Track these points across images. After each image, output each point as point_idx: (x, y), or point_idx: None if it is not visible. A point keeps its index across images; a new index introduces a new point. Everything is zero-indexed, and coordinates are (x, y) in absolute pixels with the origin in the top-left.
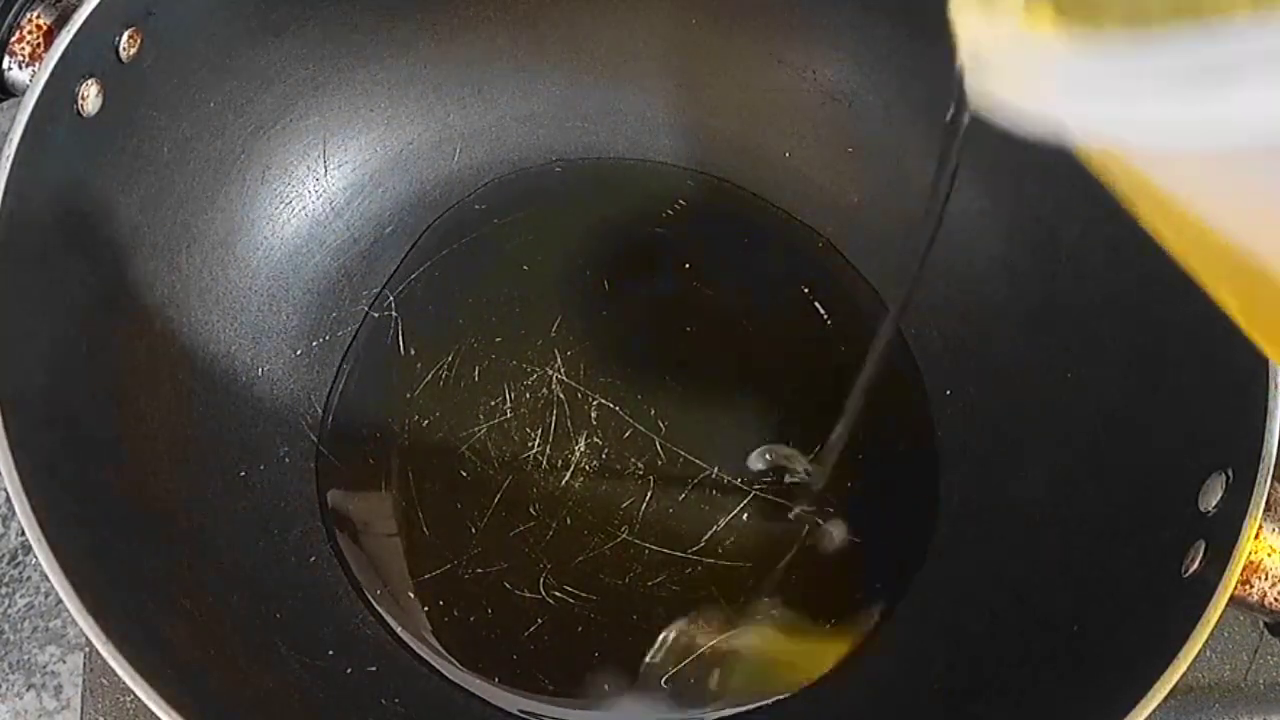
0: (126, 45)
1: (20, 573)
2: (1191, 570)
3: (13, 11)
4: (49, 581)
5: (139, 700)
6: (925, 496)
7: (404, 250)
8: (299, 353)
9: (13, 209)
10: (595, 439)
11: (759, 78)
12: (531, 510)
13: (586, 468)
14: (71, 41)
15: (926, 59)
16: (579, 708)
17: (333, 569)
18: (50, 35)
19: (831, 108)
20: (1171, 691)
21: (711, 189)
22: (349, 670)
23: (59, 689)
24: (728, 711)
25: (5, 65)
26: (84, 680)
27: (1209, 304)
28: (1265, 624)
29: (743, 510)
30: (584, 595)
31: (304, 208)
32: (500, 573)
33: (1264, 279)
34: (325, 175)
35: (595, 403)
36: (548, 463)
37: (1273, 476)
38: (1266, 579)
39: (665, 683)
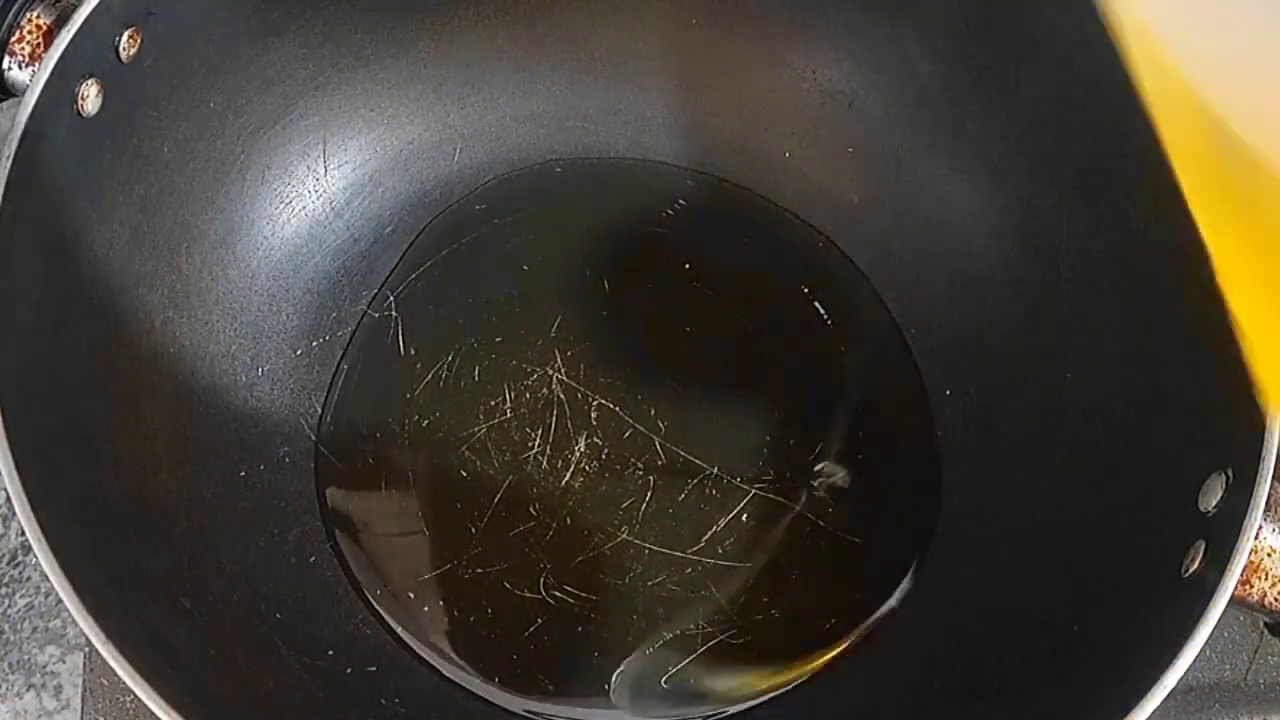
0: (126, 45)
1: (20, 573)
2: (1191, 570)
3: (13, 11)
4: (49, 581)
5: (139, 700)
6: (925, 496)
7: (404, 250)
8: (299, 353)
9: (13, 208)
10: (595, 439)
11: (759, 78)
12: (531, 510)
13: (586, 468)
14: (71, 41)
15: (926, 59)
16: (579, 707)
17: (333, 569)
18: (50, 35)
19: (831, 108)
20: (1171, 691)
21: (711, 189)
22: (349, 670)
23: (59, 689)
24: (727, 711)
25: (5, 65)
26: (84, 680)
27: (1209, 303)
28: (1265, 624)
29: (743, 510)
30: (584, 595)
31: (304, 208)
32: (500, 573)
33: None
34: (325, 175)
35: (595, 403)
36: (548, 463)
37: (1273, 476)
38: (1266, 579)
39: (665, 683)
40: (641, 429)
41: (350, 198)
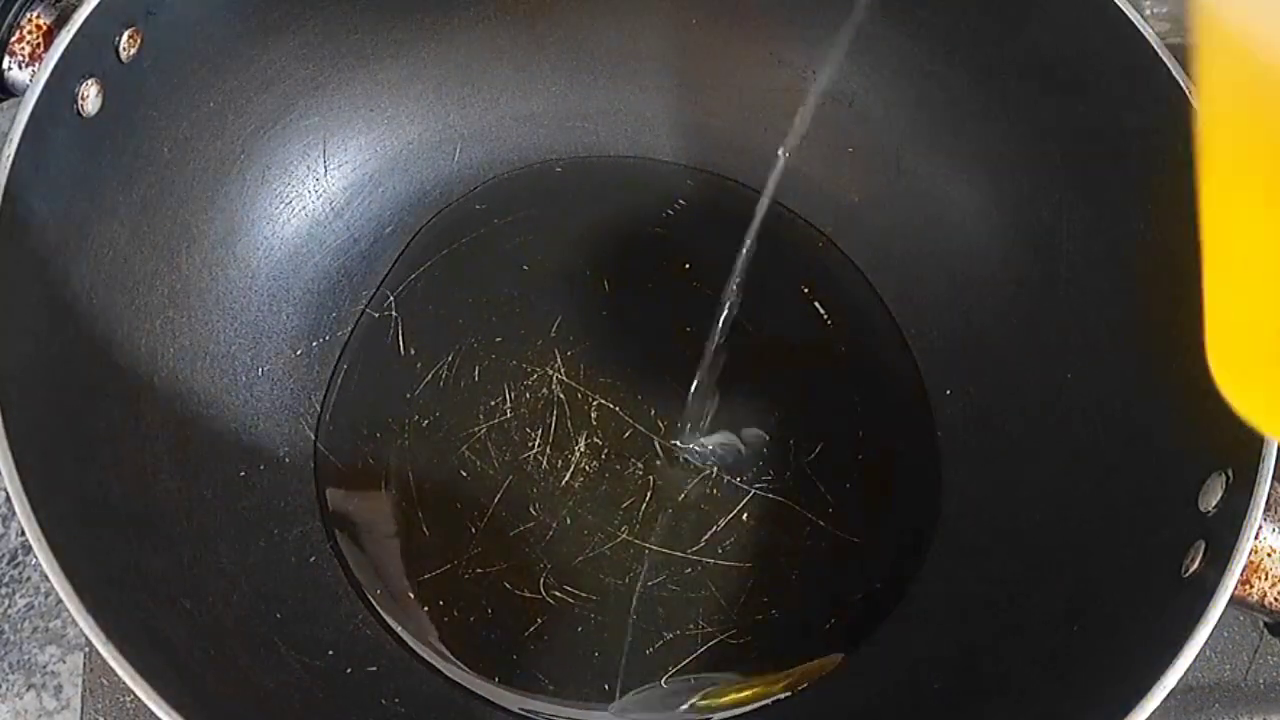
0: (126, 45)
1: (20, 573)
2: (1191, 570)
3: (13, 11)
4: (49, 581)
5: (139, 700)
6: (925, 496)
7: (404, 250)
8: (299, 353)
9: (13, 209)
10: (595, 439)
11: (759, 78)
12: (531, 510)
13: (586, 468)
14: (71, 41)
15: (926, 59)
16: (579, 707)
17: (333, 569)
18: (50, 35)
19: (831, 108)
20: (1171, 691)
21: (712, 188)
22: (349, 670)
23: (59, 689)
24: (727, 712)
25: (5, 65)
26: (84, 680)
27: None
28: (1265, 624)
29: (743, 510)
30: (584, 595)
31: (304, 208)
32: (500, 573)
33: None
34: (325, 175)
35: (595, 403)
36: (548, 463)
37: (1273, 476)
38: (1266, 579)
39: (665, 683)
40: (641, 429)
41: (350, 198)
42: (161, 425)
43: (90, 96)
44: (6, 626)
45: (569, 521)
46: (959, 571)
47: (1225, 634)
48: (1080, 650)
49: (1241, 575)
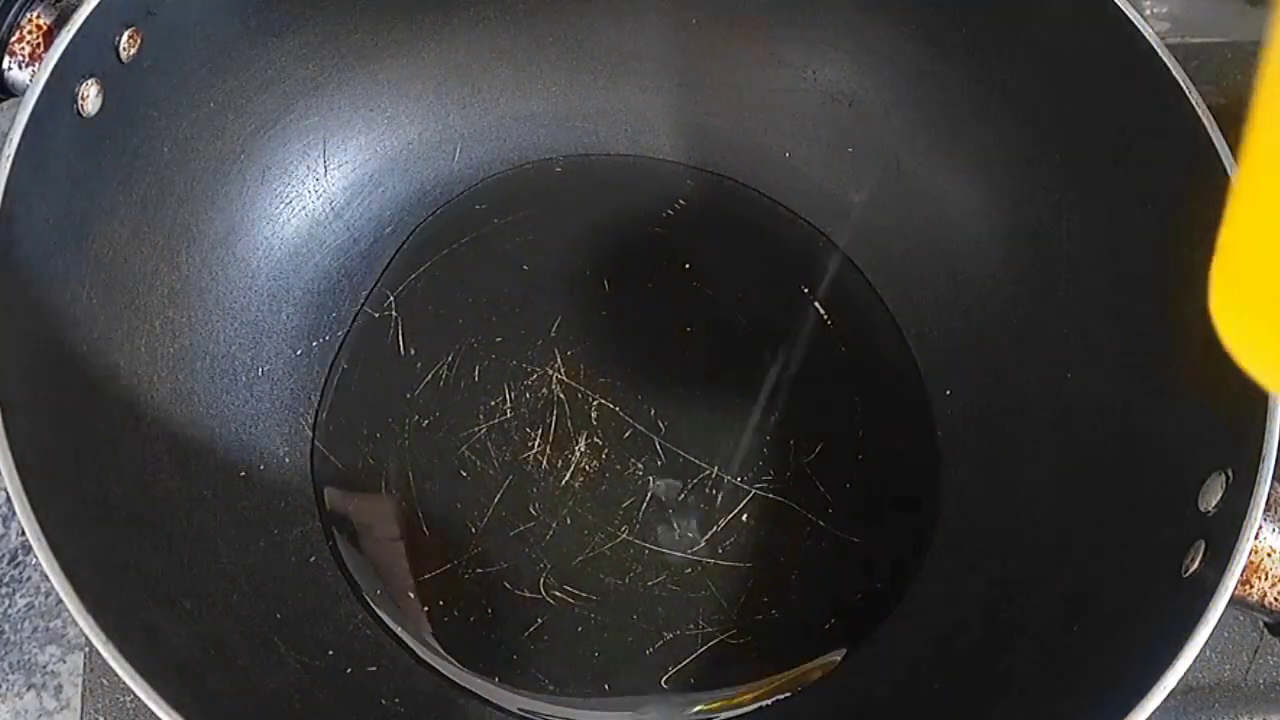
0: (126, 45)
1: (20, 573)
2: (1191, 570)
3: (13, 11)
4: (49, 581)
5: (139, 700)
6: (925, 496)
7: (404, 250)
8: (299, 353)
9: (13, 209)
10: (595, 439)
11: (759, 78)
12: (531, 510)
13: (586, 468)
14: (71, 41)
15: (926, 59)
16: (579, 707)
17: (333, 569)
18: (50, 35)
19: (831, 108)
20: (1171, 691)
21: (712, 188)
22: (349, 670)
23: (59, 689)
24: (727, 712)
25: (5, 65)
26: (84, 680)
27: (1209, 304)
28: (1265, 624)
29: (743, 510)
30: (584, 595)
31: (304, 208)
32: (500, 573)
33: None
34: (325, 175)
35: (595, 403)
36: (548, 463)
37: (1273, 476)
38: (1266, 579)
39: (665, 683)
40: (641, 429)
41: (350, 198)
42: (161, 425)
43: (90, 96)
44: (6, 626)
45: (569, 521)
46: (959, 571)
47: (1225, 634)
48: (1080, 650)
49: (1241, 575)
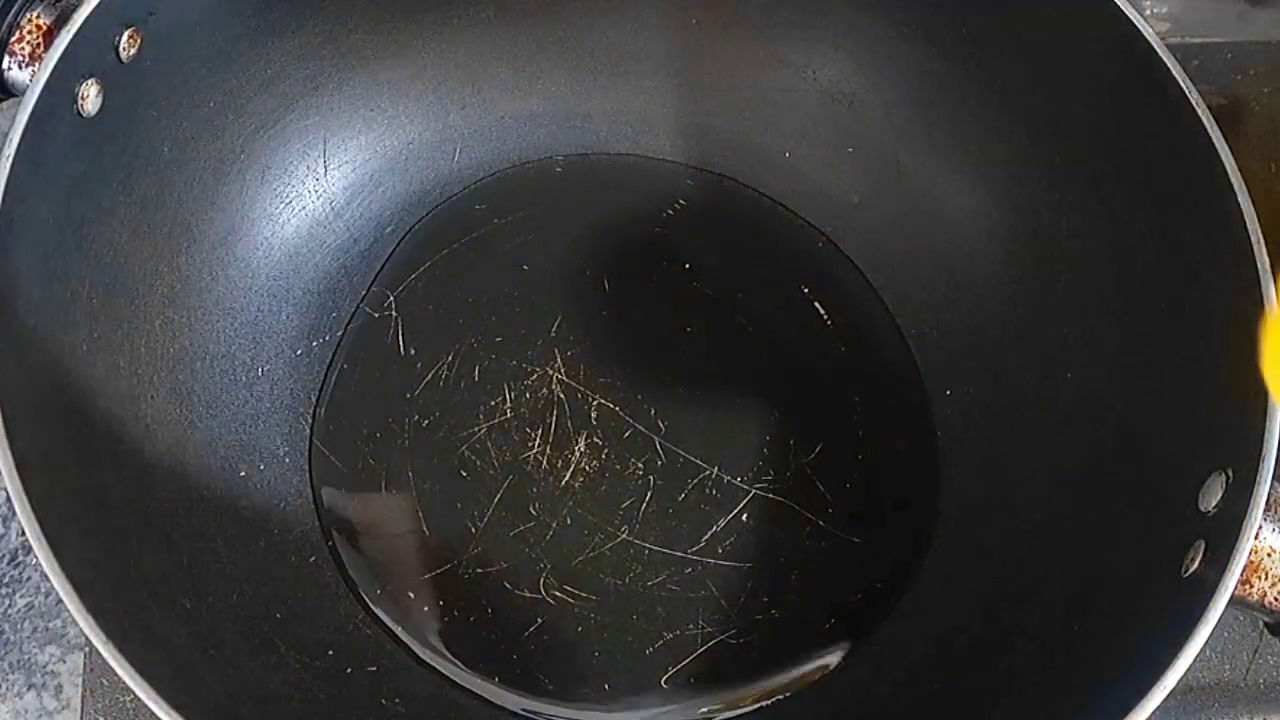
0: (126, 45)
1: (20, 573)
2: (1191, 570)
3: (13, 11)
4: (49, 581)
5: (139, 700)
6: (925, 496)
7: (404, 250)
8: (299, 353)
9: (13, 209)
10: (595, 439)
11: (759, 78)
12: (531, 510)
13: (586, 468)
14: (71, 41)
15: (926, 59)
16: (579, 708)
17: (332, 569)
18: (50, 35)
19: (831, 108)
20: (1171, 691)
21: (712, 188)
22: (349, 670)
23: (59, 689)
24: (727, 712)
25: (5, 65)
26: (84, 680)
27: (1209, 303)
28: (1265, 624)
29: (742, 510)
30: (584, 595)
31: (304, 208)
32: (500, 573)
33: None
34: (325, 175)
35: (595, 403)
36: (548, 463)
37: (1273, 476)
38: (1266, 579)
39: (665, 683)
40: (641, 429)
41: (350, 198)
42: (161, 425)
43: (90, 96)
44: (6, 626)
45: (569, 521)
46: (959, 571)
47: (1225, 634)
48: (1080, 650)
49: (1241, 575)
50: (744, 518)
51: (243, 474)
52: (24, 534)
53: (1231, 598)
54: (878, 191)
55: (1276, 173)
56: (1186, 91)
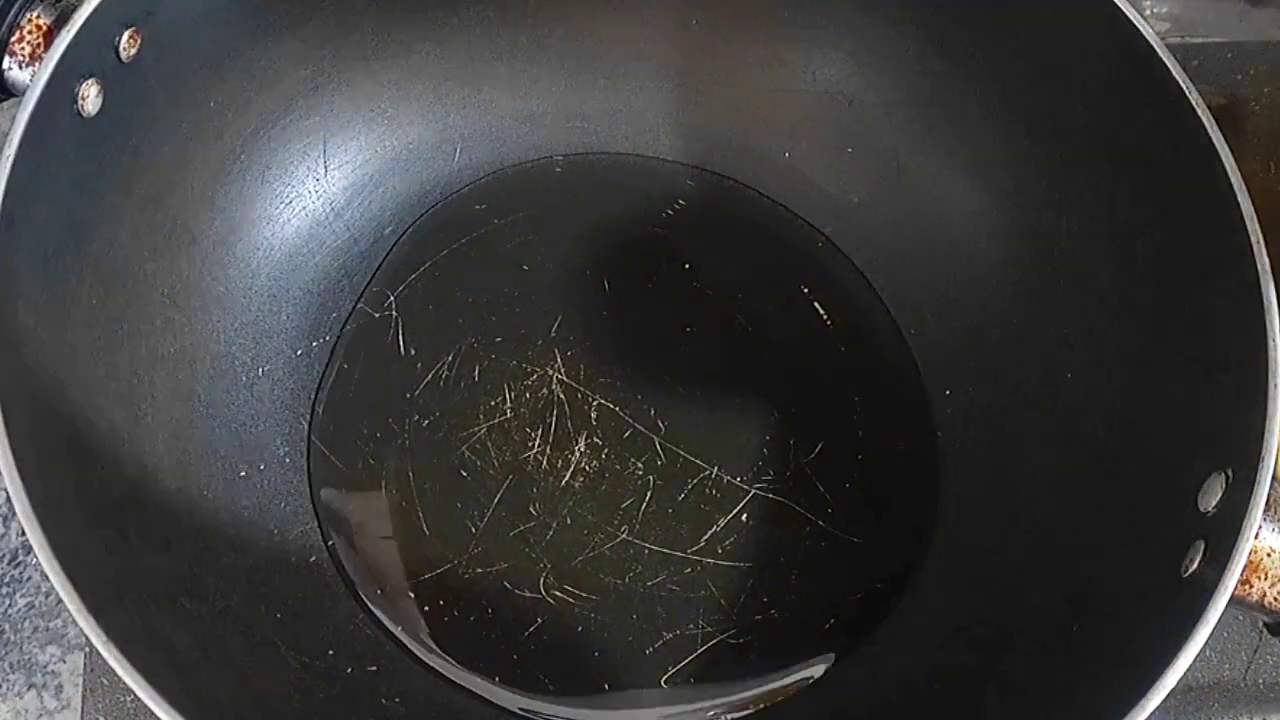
0: (126, 45)
1: (20, 573)
2: (1191, 570)
3: (13, 11)
4: (49, 581)
5: (139, 700)
6: (925, 496)
7: (404, 250)
8: (299, 353)
9: (13, 209)
10: (595, 439)
11: (759, 78)
12: (531, 510)
13: (586, 468)
14: (71, 41)
15: (926, 59)
16: (579, 707)
17: (332, 569)
18: (50, 35)
19: (831, 108)
20: (1171, 691)
21: (712, 188)
22: (349, 670)
23: (59, 689)
24: (727, 713)
25: (5, 65)
26: (84, 680)
27: (1208, 304)
28: (1265, 624)
29: (742, 510)
30: (584, 595)
31: (304, 208)
32: (500, 573)
33: None
34: (325, 175)
35: (595, 403)
36: (548, 463)
37: (1273, 476)
38: (1266, 579)
39: (665, 683)
40: (641, 429)
41: (350, 198)
42: (161, 425)
43: (90, 96)
44: (6, 626)
45: (569, 521)
46: (959, 571)
47: (1225, 634)
48: (1080, 650)
49: (1241, 575)
50: (744, 518)
51: (243, 474)
52: (24, 534)
53: (1231, 598)
54: (878, 191)
55: (1276, 173)
56: (1186, 91)
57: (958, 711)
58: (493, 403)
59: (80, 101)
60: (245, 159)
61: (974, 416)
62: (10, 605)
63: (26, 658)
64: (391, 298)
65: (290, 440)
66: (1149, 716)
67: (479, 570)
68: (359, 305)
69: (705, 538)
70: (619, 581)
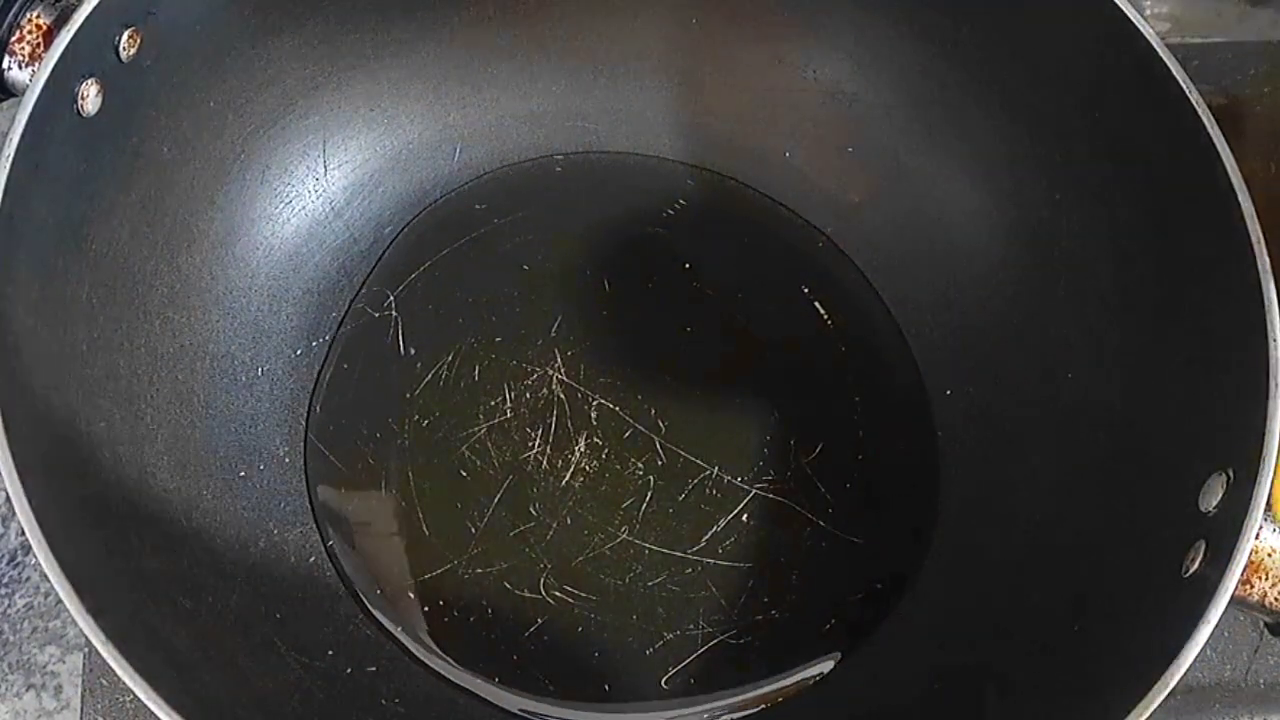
0: (126, 45)
1: (20, 573)
2: (1191, 570)
3: (13, 11)
4: (49, 581)
5: (139, 700)
6: (925, 496)
7: (404, 250)
8: (299, 353)
9: (13, 209)
10: (595, 439)
11: (759, 78)
12: (531, 510)
13: (586, 468)
14: (71, 41)
15: (926, 59)
16: (579, 708)
17: (332, 569)
18: (50, 35)
19: (831, 108)
20: (1171, 691)
21: (712, 188)
22: (349, 670)
23: (59, 689)
24: (727, 713)
25: (5, 65)
26: (84, 680)
27: (1208, 304)
28: (1265, 624)
29: (742, 510)
30: (584, 595)
31: (304, 208)
32: (500, 573)
33: None
34: (325, 175)
35: (595, 403)
36: (548, 463)
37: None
38: (1266, 579)
39: (665, 683)
40: (641, 429)
41: (350, 198)
42: (161, 425)
43: (90, 96)
44: (6, 626)
45: (569, 521)
46: (959, 571)
47: (1225, 634)
48: (1080, 650)
49: (1242, 575)
50: (744, 518)
51: (242, 474)
52: (24, 534)
53: (1232, 598)
54: (878, 191)
55: (1277, 173)
56: (1186, 91)
57: (958, 711)
58: (493, 403)
59: (80, 101)
60: (245, 159)
61: (974, 416)
62: (9, 605)
63: (25, 658)
64: (391, 297)
65: (290, 440)
66: (1149, 716)
67: (479, 570)
68: (358, 305)
69: (706, 538)
70: (619, 582)
